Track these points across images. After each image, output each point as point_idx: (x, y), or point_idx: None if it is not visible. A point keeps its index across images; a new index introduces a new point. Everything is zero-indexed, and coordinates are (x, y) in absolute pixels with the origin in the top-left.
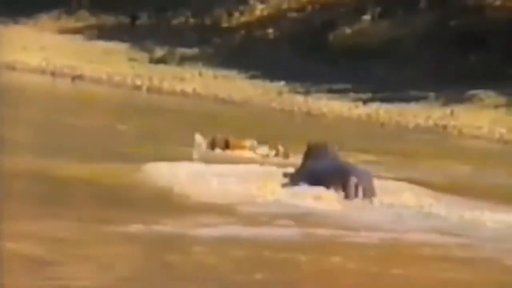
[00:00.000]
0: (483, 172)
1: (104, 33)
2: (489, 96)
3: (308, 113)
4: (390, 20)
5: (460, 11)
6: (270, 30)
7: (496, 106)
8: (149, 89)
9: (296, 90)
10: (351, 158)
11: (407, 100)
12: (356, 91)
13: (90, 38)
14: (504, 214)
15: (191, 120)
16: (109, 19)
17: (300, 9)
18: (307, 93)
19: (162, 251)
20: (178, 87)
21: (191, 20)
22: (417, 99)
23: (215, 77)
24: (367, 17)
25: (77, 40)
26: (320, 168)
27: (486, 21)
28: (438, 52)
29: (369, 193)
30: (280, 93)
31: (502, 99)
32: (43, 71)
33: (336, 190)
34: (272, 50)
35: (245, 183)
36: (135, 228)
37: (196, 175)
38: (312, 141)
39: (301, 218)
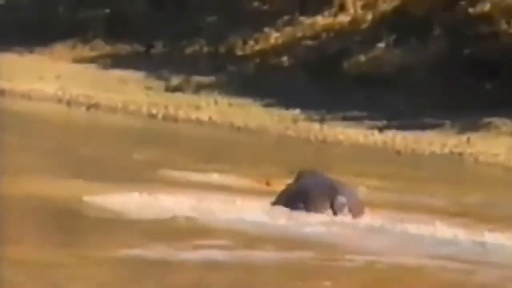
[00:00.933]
0: (494, 200)
1: (119, 62)
2: (505, 123)
3: (324, 141)
4: (405, 48)
5: (474, 38)
6: (285, 58)
7: None
8: (164, 118)
9: (312, 118)
10: (366, 184)
11: (423, 127)
12: (371, 119)
13: (105, 67)
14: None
15: (206, 149)
16: (124, 48)
17: (315, 37)
18: (322, 120)
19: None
20: (194, 115)
21: (206, 49)
22: (432, 126)
23: (231, 105)
24: (381, 44)
25: (92, 69)
26: (309, 187)
27: (501, 48)
28: (452, 79)
29: (355, 212)
30: (295, 121)
31: None
32: (59, 100)
33: (324, 207)
34: (287, 78)
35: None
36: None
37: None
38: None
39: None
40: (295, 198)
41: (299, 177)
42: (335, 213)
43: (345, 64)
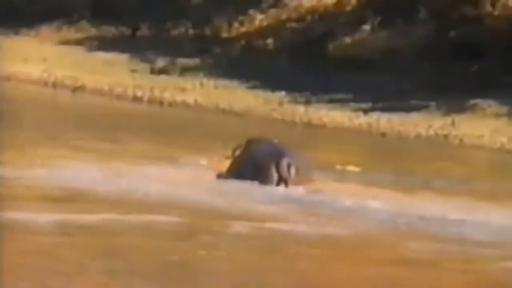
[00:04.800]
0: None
1: (104, 44)
2: (490, 105)
3: (309, 123)
4: (390, 30)
5: (460, 21)
6: (270, 40)
7: (497, 116)
8: (150, 100)
9: (297, 100)
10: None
11: (408, 109)
12: (356, 101)
13: (91, 49)
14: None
15: (191, 132)
16: (109, 30)
17: (300, 19)
18: (307, 103)
19: None
20: (179, 97)
21: (191, 31)
22: (418, 108)
23: (216, 87)
24: (367, 26)
25: (78, 51)
26: (255, 153)
27: (486, 31)
28: (438, 62)
29: (303, 174)
30: (281, 103)
31: (503, 109)
32: (44, 83)
33: (270, 170)
34: (272, 60)
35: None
36: None
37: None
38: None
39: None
40: (242, 165)
41: (247, 145)
42: (280, 176)
43: (330, 47)
